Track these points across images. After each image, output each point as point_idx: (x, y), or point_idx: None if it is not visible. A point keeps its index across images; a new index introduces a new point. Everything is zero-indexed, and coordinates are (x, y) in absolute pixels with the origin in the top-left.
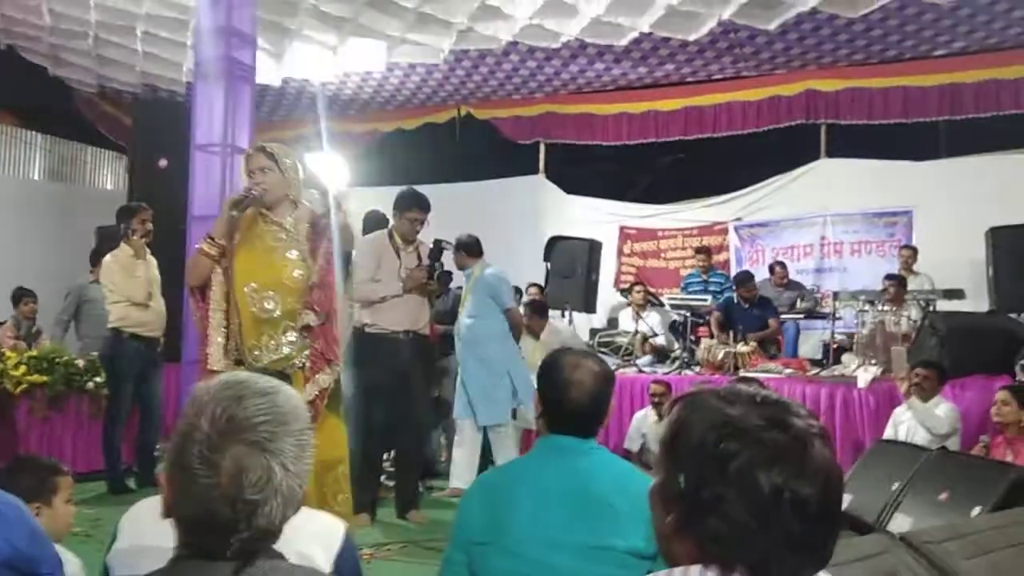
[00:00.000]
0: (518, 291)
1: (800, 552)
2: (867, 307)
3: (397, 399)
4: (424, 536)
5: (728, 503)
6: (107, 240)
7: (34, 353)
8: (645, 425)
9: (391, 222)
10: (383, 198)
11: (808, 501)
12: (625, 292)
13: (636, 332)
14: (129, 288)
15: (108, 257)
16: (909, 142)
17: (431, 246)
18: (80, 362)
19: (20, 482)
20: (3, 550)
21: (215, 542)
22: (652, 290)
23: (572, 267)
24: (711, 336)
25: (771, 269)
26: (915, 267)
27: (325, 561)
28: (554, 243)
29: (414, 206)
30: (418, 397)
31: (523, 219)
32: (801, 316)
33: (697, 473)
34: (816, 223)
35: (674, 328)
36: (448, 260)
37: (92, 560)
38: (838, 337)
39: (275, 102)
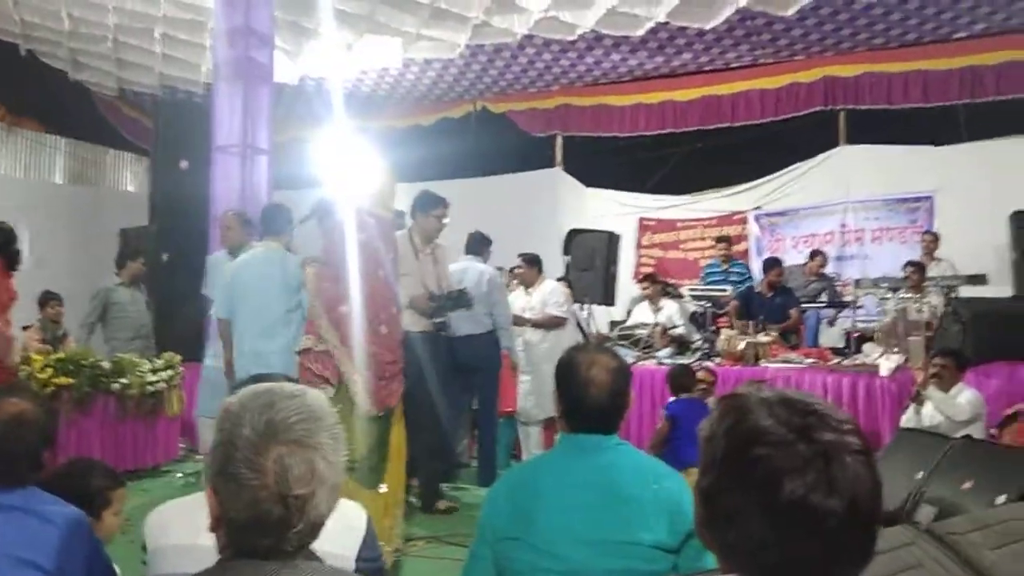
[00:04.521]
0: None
1: (820, 568)
2: (889, 294)
3: (413, 397)
4: (449, 532)
5: (744, 514)
6: (132, 242)
7: (61, 356)
8: None
9: (410, 222)
10: (401, 194)
11: (830, 515)
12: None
13: (655, 324)
14: None
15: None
16: (929, 126)
17: (458, 290)
18: (105, 363)
19: (75, 489)
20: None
21: (267, 541)
22: (670, 281)
23: (591, 260)
24: (731, 326)
25: (811, 256)
26: (937, 253)
27: (350, 548)
28: (573, 236)
29: (440, 204)
30: (434, 393)
31: (541, 213)
32: (823, 305)
33: (718, 478)
34: (836, 210)
35: (694, 319)
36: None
37: (122, 555)
38: (860, 325)
39: (292, 100)
